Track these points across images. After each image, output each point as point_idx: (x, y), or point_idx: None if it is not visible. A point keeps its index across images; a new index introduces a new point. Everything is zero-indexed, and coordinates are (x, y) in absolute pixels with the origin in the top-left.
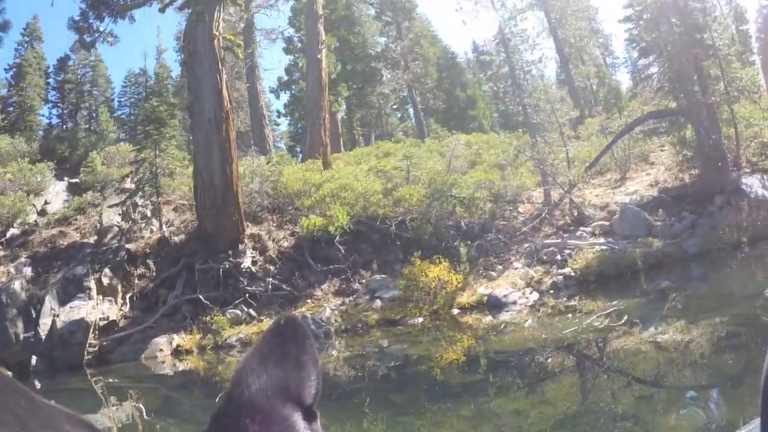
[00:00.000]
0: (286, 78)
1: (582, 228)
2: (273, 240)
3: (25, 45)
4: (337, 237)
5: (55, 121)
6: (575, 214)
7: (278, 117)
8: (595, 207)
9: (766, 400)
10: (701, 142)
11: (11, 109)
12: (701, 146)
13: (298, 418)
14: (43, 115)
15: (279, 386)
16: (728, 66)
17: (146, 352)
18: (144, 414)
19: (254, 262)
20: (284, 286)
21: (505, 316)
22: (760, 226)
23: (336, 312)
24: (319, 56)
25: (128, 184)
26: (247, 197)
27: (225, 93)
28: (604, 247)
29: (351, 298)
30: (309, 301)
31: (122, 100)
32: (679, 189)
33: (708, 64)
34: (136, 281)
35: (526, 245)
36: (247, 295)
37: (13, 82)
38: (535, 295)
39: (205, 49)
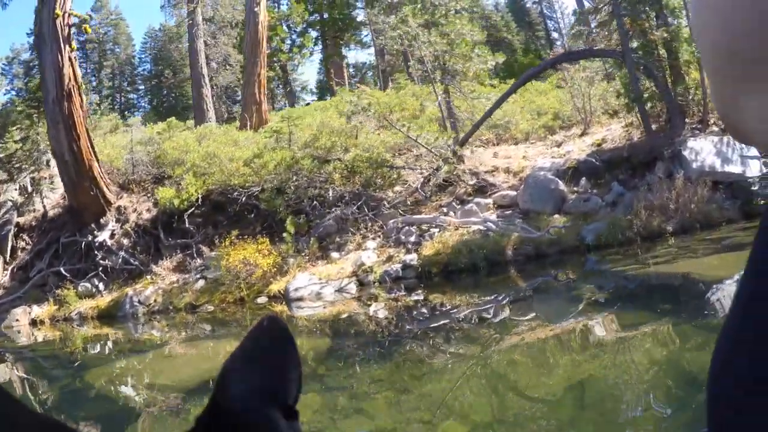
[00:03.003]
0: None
1: (479, 199)
2: (136, 212)
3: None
4: (191, 209)
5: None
6: (471, 181)
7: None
8: (509, 173)
9: (713, 406)
10: (636, 91)
11: (34, 71)
12: (638, 96)
13: (279, 419)
14: None
15: (261, 387)
16: None
17: (5, 322)
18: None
19: (113, 235)
20: (132, 261)
21: (306, 312)
22: (695, 210)
23: (159, 291)
24: (256, 9)
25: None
26: (130, 167)
27: (68, 71)
28: (480, 227)
29: (186, 275)
30: (148, 277)
31: (142, 56)
32: (613, 152)
33: None
34: (19, 254)
35: (392, 221)
36: (100, 269)
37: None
38: (354, 288)
39: (48, 29)
